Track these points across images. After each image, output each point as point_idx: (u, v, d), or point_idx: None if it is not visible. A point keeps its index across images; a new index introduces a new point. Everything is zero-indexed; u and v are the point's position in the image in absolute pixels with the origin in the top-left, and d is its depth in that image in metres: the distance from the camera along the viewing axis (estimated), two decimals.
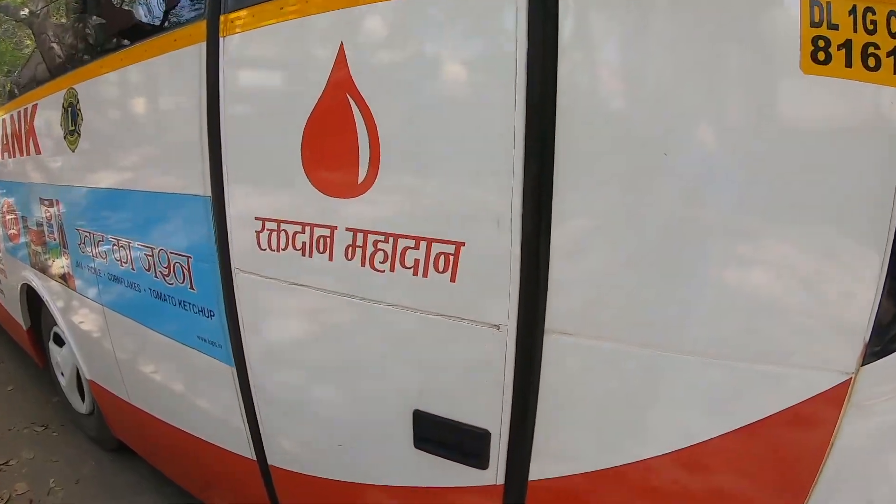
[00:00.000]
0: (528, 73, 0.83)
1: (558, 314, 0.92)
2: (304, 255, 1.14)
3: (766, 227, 0.78)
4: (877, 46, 0.66)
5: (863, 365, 0.78)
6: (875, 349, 0.77)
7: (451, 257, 0.96)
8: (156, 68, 1.40)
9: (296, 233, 1.15)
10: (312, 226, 1.12)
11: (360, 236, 1.06)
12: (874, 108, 0.69)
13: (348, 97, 1.00)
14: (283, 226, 1.17)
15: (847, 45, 0.67)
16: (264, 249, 1.20)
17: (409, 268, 1.01)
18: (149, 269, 1.57)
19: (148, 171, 1.53)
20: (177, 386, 1.70)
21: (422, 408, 1.08)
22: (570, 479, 1.01)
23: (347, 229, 1.06)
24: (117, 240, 1.69)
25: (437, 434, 1.08)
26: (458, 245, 0.95)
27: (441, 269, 0.97)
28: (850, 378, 0.79)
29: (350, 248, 1.08)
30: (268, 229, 1.19)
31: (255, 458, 1.45)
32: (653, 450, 0.92)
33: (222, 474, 1.66)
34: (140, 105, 1.57)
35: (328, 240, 1.10)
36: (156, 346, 1.66)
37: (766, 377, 0.84)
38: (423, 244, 0.99)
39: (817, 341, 0.80)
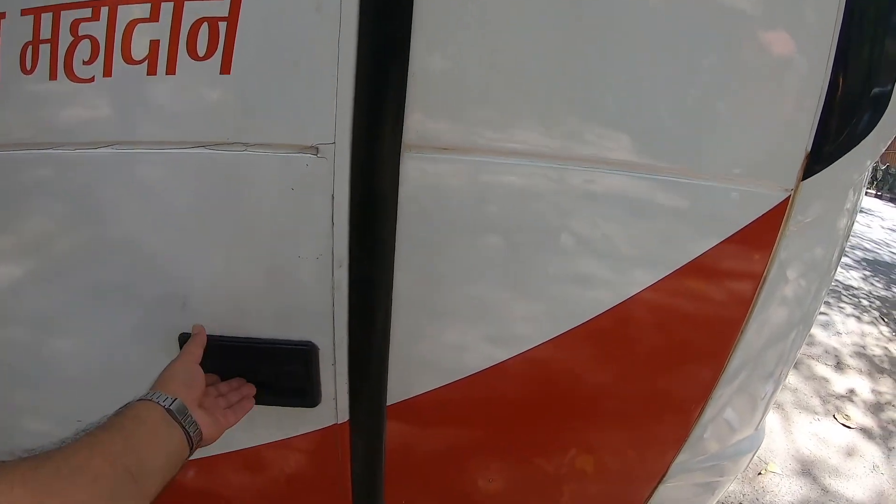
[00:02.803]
0: None
1: (429, 118, 0.56)
2: None
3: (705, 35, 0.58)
4: None
5: (803, 180, 0.66)
6: (814, 162, 0.66)
7: (222, 25, 0.53)
8: None
9: None
10: None
11: (45, 20, 0.58)
12: None
13: None
14: None
15: None
16: None
17: (140, 61, 0.56)
18: None
19: None
20: None
21: (192, 329, 0.67)
22: (460, 384, 0.70)
23: (25, 12, 0.59)
24: None
25: (224, 365, 0.67)
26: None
27: (202, 52, 0.55)
28: (790, 195, 0.66)
29: (30, 49, 0.59)
30: None
31: None
32: (585, 311, 0.65)
33: None
34: None
35: None
36: None
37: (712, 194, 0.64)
38: (165, 8, 0.54)
39: (760, 156, 0.65)
